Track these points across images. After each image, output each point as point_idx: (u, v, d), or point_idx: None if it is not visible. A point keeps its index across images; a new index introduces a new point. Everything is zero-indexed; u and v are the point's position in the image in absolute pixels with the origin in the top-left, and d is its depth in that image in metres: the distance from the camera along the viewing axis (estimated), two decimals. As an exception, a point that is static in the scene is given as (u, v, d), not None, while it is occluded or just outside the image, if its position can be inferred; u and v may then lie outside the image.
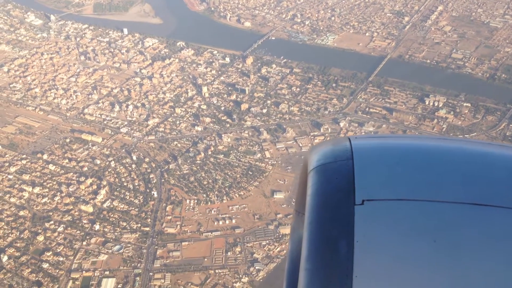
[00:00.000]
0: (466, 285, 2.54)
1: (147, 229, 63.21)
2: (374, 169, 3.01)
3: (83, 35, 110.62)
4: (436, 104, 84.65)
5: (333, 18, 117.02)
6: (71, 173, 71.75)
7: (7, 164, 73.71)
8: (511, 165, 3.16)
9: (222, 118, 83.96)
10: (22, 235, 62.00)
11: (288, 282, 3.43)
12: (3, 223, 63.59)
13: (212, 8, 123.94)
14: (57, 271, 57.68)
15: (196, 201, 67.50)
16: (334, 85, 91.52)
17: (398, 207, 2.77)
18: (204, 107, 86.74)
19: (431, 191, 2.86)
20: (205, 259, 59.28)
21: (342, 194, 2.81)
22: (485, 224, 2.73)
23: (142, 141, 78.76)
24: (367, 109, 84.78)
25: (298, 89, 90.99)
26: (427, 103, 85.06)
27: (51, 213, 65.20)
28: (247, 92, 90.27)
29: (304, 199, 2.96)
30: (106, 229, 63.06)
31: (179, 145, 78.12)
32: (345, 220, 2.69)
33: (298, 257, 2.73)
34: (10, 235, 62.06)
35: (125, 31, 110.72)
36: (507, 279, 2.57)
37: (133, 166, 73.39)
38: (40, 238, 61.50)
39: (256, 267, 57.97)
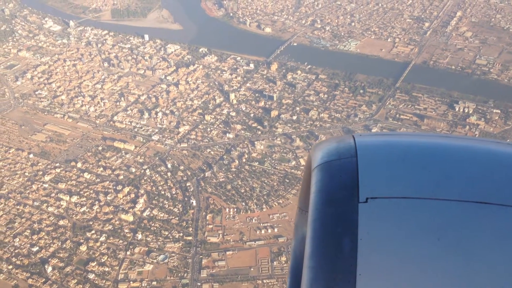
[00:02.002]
0: (470, 283, 2.51)
1: (190, 238, 62.78)
2: (378, 167, 2.99)
3: (104, 41, 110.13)
4: (466, 110, 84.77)
5: (353, 24, 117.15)
6: (107, 182, 71.20)
7: (40, 172, 73.05)
8: None
9: (253, 125, 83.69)
10: (64, 245, 61.41)
11: (292, 280, 3.45)
12: (43, 233, 62.96)
13: (231, 14, 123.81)
14: (104, 281, 57.15)
15: (235, 209, 67.11)
16: (361, 91, 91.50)
17: (402, 205, 2.75)
18: (233, 114, 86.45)
19: (435, 189, 2.83)
20: (251, 269, 58.93)
21: (346, 191, 2.80)
22: (489, 222, 2.69)
23: (175, 149, 78.31)
24: (397, 115, 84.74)
25: (325, 95, 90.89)
26: (457, 109, 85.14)
27: (91, 223, 64.65)
28: (275, 98, 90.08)
29: (307, 197, 2.95)
30: (148, 239, 62.56)
31: (212, 152, 77.74)
32: (349, 218, 2.67)
33: (302, 254, 2.72)
34: (52, 245, 61.44)
35: (146, 37, 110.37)
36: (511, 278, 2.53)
37: (169, 174, 72.93)
38: (83, 248, 60.93)
39: (304, 277, 57.53)
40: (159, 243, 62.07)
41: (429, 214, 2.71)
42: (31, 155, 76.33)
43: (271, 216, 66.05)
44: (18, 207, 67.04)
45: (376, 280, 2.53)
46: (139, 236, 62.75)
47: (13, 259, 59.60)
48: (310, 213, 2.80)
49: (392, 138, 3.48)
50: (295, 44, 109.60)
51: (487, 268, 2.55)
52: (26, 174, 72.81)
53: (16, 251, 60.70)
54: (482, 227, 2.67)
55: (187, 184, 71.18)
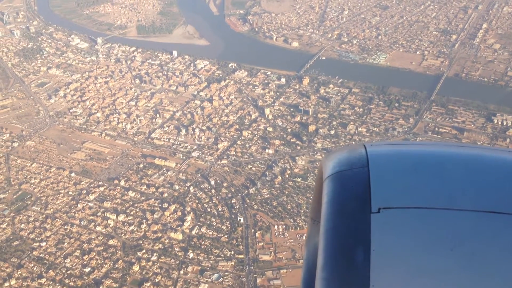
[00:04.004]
0: None
1: (241, 256, 62.22)
2: (390, 177, 2.97)
3: (133, 58, 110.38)
4: (504, 123, 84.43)
5: (380, 37, 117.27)
6: (152, 200, 70.84)
7: (84, 191, 72.73)
8: None
9: (291, 140, 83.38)
10: (116, 265, 60.86)
11: None
12: (94, 253, 62.48)
13: (256, 29, 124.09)
14: (160, 302, 56.55)
15: (284, 226, 66.60)
16: (396, 104, 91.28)
17: (414, 215, 2.72)
18: (270, 129, 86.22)
19: (447, 199, 2.79)
20: None
21: (358, 202, 2.78)
22: (503, 232, 2.64)
23: (215, 165, 77.98)
24: (436, 128, 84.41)
25: (361, 109, 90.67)
26: (495, 122, 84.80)
27: (141, 242, 64.17)
28: (310, 113, 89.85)
29: (319, 207, 2.93)
30: (200, 257, 62.01)
31: (253, 168, 77.39)
32: (361, 229, 2.65)
33: (314, 265, 2.69)
34: (104, 265, 60.89)
35: (175, 53, 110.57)
36: None
37: (213, 191, 72.56)
38: (136, 267, 60.36)
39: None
40: (211, 261, 61.50)
41: (442, 225, 2.67)
42: (72, 174, 76.05)
43: (320, 233, 65.42)
44: (65, 227, 66.65)
45: None
46: (191, 254, 62.22)
47: (66, 281, 59.04)
48: (322, 223, 2.77)
49: (404, 147, 3.45)
50: (324, 58, 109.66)
51: (501, 279, 2.49)
52: (70, 193, 72.48)
53: (68, 272, 60.14)
54: (496, 237, 2.63)
55: (233, 201, 70.76)
